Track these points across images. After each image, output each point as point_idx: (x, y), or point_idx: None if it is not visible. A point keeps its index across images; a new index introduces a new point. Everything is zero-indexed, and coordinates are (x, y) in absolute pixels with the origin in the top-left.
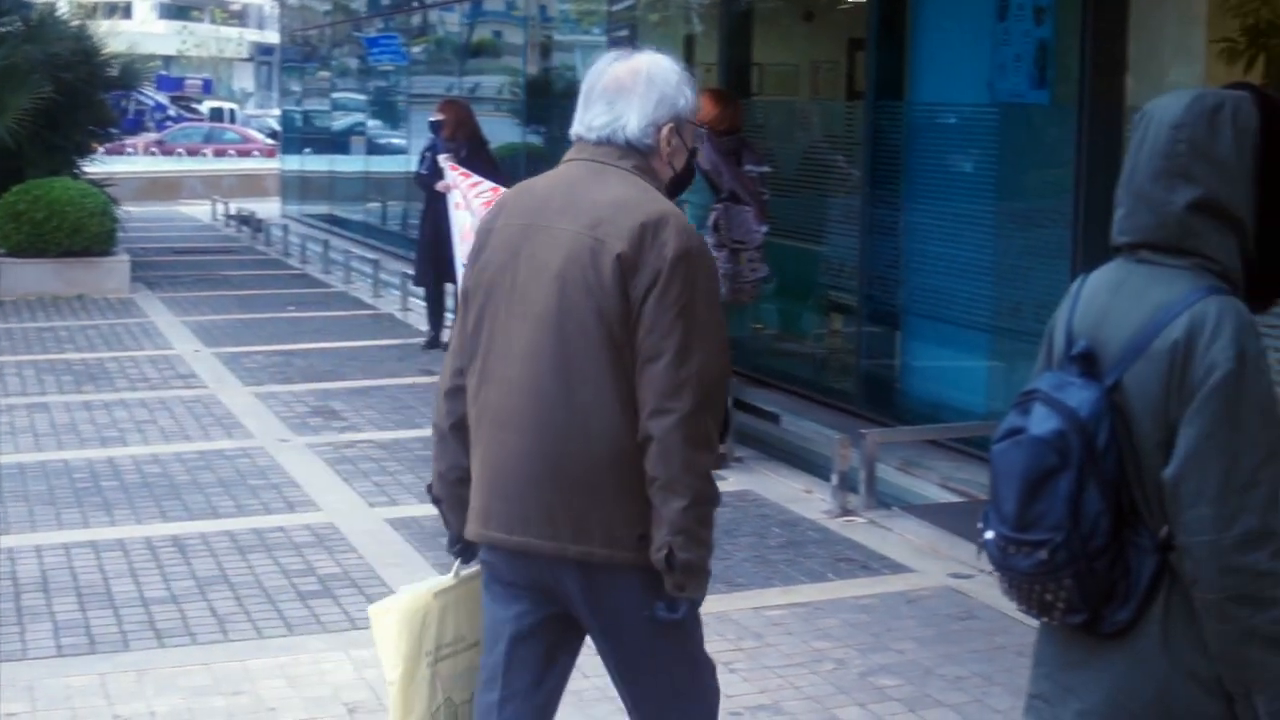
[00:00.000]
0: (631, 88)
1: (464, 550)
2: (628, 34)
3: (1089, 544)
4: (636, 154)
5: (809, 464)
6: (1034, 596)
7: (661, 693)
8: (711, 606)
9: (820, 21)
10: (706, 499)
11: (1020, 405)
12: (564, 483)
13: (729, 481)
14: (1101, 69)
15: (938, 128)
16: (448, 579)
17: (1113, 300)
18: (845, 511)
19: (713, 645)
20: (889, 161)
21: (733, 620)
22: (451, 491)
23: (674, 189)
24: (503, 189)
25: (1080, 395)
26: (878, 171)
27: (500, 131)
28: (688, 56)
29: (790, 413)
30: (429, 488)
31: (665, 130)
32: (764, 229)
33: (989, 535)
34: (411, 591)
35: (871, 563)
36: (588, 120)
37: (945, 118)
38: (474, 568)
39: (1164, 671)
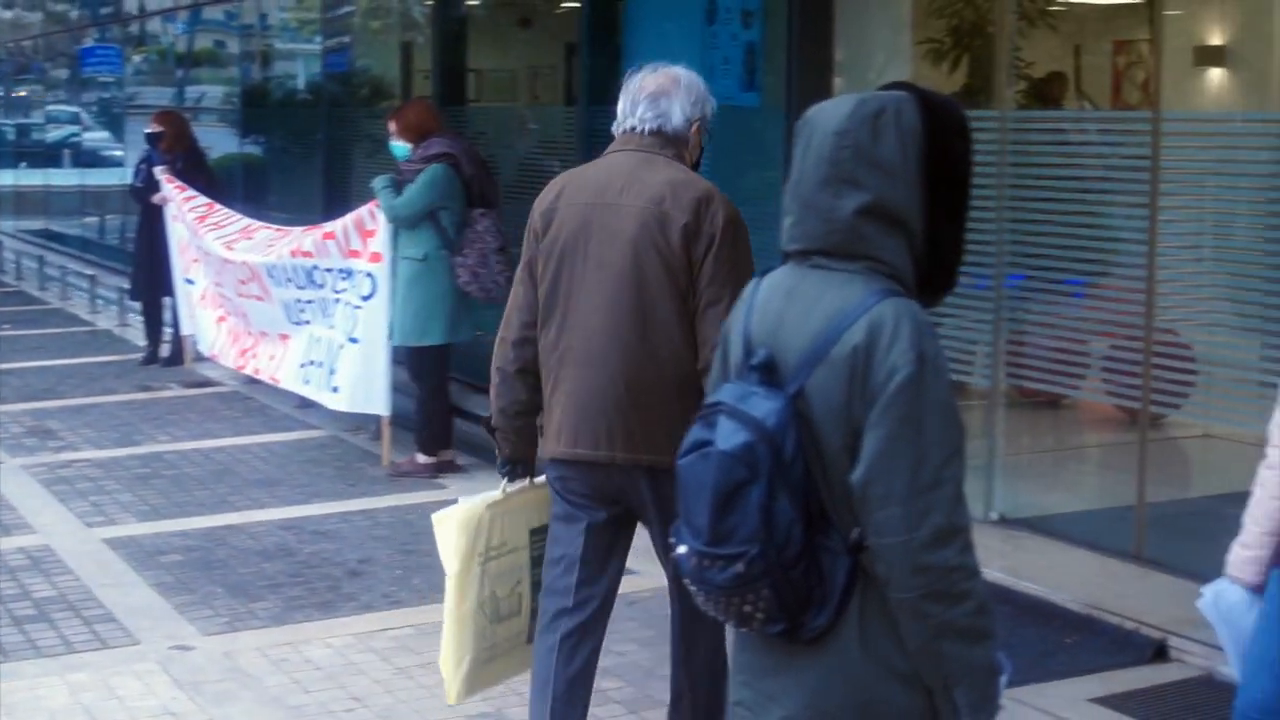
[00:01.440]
0: (673, 90)
1: (512, 471)
2: (348, 40)
3: (784, 553)
4: (674, 145)
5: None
6: (732, 608)
7: None
8: (432, 615)
9: (537, 27)
10: None
11: (705, 418)
12: (639, 405)
13: (450, 489)
14: (809, 71)
15: None
16: (497, 494)
17: (788, 306)
18: None
19: (435, 654)
20: None
21: None
22: (510, 423)
23: None
24: (218, 205)
25: (765, 406)
26: None
27: (219, 142)
28: (405, 64)
29: None
30: (485, 420)
31: (695, 126)
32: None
33: (681, 550)
34: (469, 502)
35: None
36: (640, 115)
37: None
38: (518, 485)
39: (864, 671)
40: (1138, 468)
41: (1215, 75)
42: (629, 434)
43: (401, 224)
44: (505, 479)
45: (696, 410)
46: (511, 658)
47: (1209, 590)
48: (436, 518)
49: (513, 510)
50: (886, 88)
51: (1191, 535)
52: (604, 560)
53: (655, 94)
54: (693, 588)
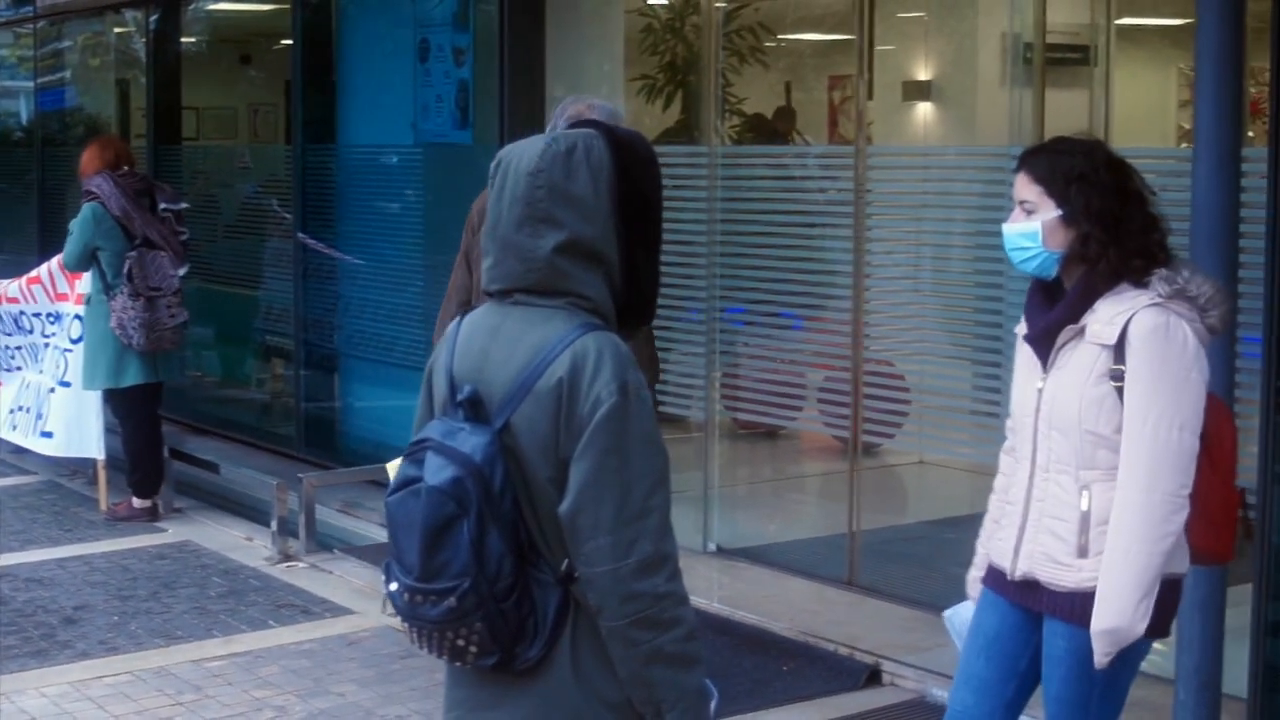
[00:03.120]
0: (586, 114)
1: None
2: (65, 77)
3: (495, 586)
4: None
5: (250, 511)
6: (446, 643)
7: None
8: (150, 662)
9: (257, 64)
10: None
11: (413, 456)
12: None
13: (169, 533)
14: (521, 108)
15: (367, 170)
16: None
17: (492, 343)
18: (286, 557)
19: (152, 700)
20: (321, 205)
21: (172, 674)
22: None
23: None
24: None
25: (472, 441)
26: (310, 215)
27: None
28: (122, 102)
29: (232, 460)
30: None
31: None
32: (182, 271)
33: (393, 587)
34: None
35: (313, 607)
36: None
37: (373, 160)
38: None
39: (576, 702)
40: (850, 496)
41: (923, 110)
42: None
43: (71, 269)
44: None
45: None
46: None
47: (950, 610)
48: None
49: None
50: (575, 126)
51: (903, 561)
52: None
53: (571, 117)
54: (405, 624)
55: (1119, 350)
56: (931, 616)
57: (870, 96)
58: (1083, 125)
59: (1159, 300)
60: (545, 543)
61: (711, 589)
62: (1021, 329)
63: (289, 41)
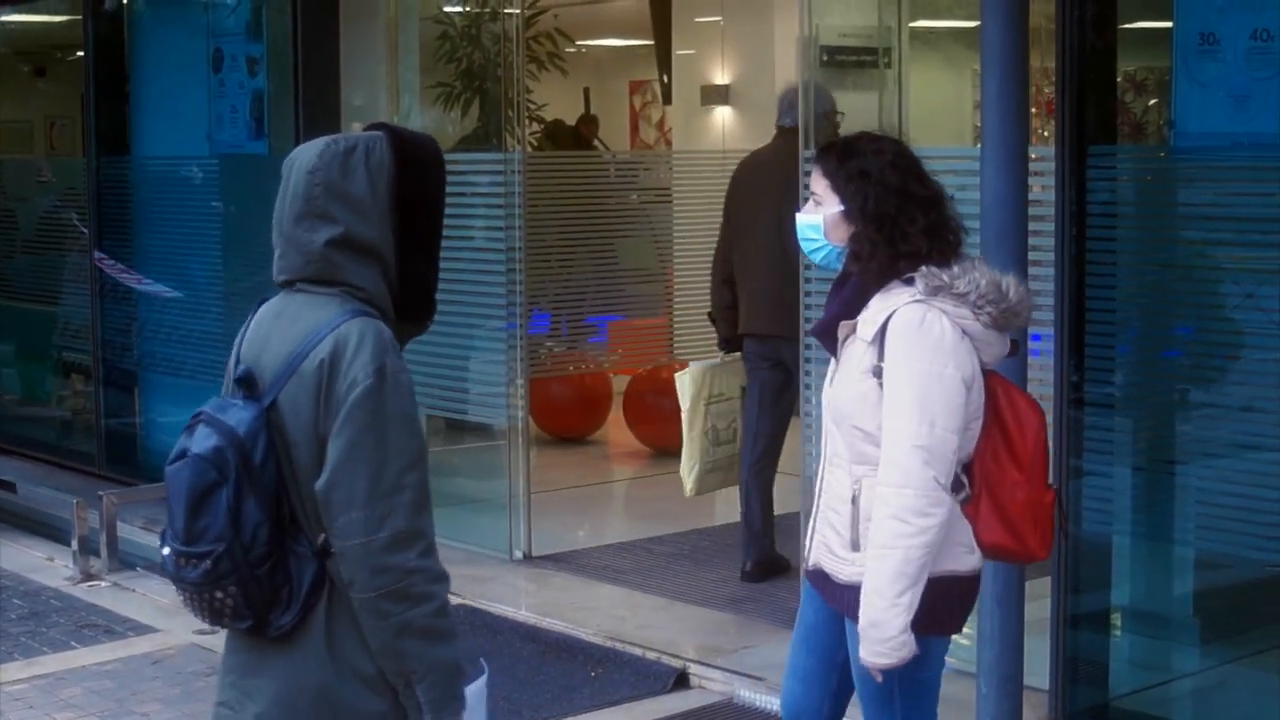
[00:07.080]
0: (798, 101)
1: (727, 345)
2: None
3: (250, 553)
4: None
5: (51, 530)
6: (204, 603)
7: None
8: None
9: (52, 76)
10: None
11: (188, 428)
12: (782, 301)
13: None
14: (316, 117)
15: (163, 181)
16: (717, 361)
17: (274, 328)
18: (88, 576)
19: None
20: (117, 218)
21: None
22: (722, 315)
23: None
24: None
25: (239, 414)
26: (106, 229)
27: None
28: None
29: (31, 479)
30: (709, 314)
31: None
32: None
33: (165, 551)
34: (698, 365)
35: (116, 626)
36: (780, 119)
37: (168, 172)
38: (732, 356)
39: (328, 671)
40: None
41: (722, 113)
42: (778, 319)
43: None
44: (722, 350)
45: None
46: (729, 472)
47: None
48: (677, 375)
49: (727, 371)
50: (369, 129)
51: (709, 565)
52: (774, 394)
53: (790, 104)
54: (175, 588)
55: (880, 347)
56: (739, 619)
57: (669, 101)
58: (874, 126)
59: (919, 297)
60: (305, 517)
61: (519, 596)
62: None
63: (83, 53)
